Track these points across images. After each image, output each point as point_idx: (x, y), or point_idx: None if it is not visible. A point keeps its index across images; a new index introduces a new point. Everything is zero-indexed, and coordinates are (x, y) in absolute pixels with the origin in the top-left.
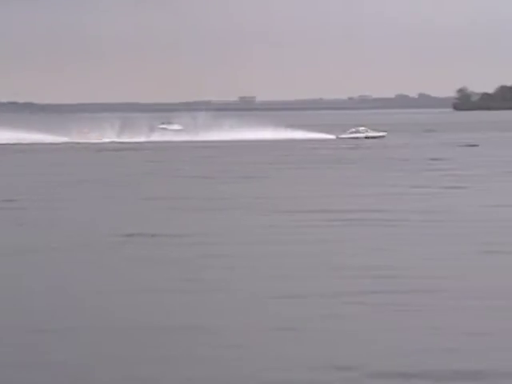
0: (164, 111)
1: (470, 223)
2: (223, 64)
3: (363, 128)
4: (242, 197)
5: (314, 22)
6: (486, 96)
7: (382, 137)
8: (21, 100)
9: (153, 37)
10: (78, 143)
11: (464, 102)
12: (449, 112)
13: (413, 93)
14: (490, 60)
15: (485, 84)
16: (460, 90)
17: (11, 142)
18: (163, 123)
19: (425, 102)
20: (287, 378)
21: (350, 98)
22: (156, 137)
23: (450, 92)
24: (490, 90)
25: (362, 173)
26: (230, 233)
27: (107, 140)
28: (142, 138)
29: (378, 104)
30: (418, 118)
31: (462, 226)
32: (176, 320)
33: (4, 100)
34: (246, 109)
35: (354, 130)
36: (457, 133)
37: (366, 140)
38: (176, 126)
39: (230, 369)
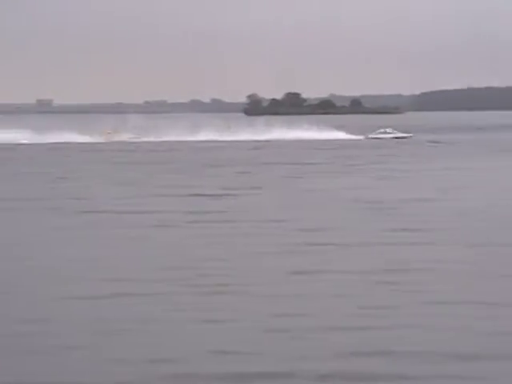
0: None
1: (267, 223)
2: (21, 66)
3: (390, 129)
4: (49, 198)
5: (108, 28)
6: (274, 102)
7: (409, 137)
8: None
9: None
10: None
11: (254, 107)
12: (240, 116)
13: (206, 98)
14: (278, 67)
15: (274, 90)
16: (250, 96)
17: None
18: None
19: (217, 106)
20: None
21: (146, 103)
22: None
23: (241, 98)
24: (278, 96)
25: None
26: (17, 234)
27: None
28: None
29: (173, 108)
30: (213, 121)
31: (259, 227)
32: None
33: None
34: (44, 111)
35: (382, 130)
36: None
37: (394, 140)
38: None
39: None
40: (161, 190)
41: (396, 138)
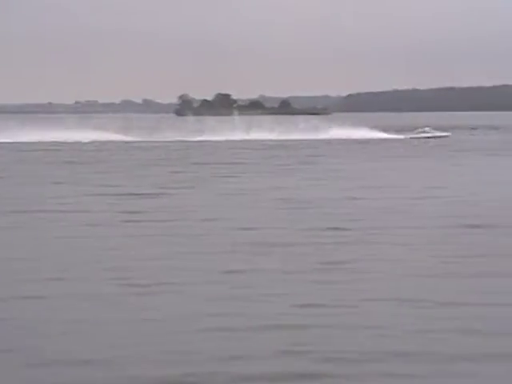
0: None
1: (200, 223)
2: None
3: (428, 128)
4: None
5: (44, 25)
6: (205, 102)
7: (447, 136)
8: None
9: None
10: None
11: (185, 107)
12: (171, 117)
13: (137, 98)
14: (209, 68)
15: (205, 91)
16: (181, 97)
17: None
18: None
19: (149, 107)
20: None
21: (77, 103)
22: None
23: (172, 98)
24: (209, 97)
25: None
26: None
27: None
28: None
29: (105, 109)
30: (144, 121)
31: (193, 226)
32: None
33: None
34: None
35: (420, 130)
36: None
37: (432, 140)
38: None
39: None
40: (93, 189)
41: (434, 137)
